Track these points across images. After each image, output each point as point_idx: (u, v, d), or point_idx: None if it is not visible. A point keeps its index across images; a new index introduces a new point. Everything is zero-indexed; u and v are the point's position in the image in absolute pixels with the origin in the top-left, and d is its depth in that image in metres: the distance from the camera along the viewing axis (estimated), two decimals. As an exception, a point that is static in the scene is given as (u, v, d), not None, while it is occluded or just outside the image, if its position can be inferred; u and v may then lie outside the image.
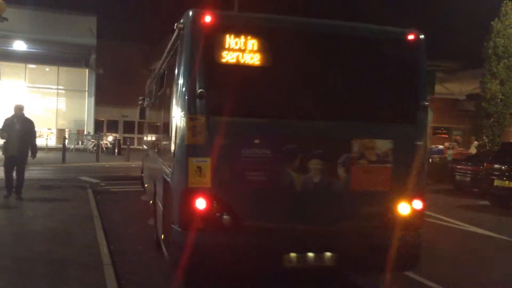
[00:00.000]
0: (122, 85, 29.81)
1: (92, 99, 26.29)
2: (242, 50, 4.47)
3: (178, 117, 4.49)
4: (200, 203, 4.35)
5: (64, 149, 18.98)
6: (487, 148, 16.89)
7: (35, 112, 23.36)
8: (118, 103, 30.51)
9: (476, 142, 18.33)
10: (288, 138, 4.56)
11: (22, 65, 25.46)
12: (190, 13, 4.48)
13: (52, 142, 24.51)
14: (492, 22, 17.43)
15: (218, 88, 4.43)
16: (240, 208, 4.46)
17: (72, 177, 14.29)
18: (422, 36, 5.05)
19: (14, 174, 9.44)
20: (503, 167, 11.90)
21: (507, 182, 11.60)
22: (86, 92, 26.48)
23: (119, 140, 25.21)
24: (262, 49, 4.52)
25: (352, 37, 4.91)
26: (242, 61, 4.47)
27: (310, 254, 4.66)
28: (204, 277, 4.79)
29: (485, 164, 12.56)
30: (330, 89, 4.91)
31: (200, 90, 4.29)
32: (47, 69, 26.54)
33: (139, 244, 6.98)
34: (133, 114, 31.45)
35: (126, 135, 28.93)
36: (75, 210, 8.87)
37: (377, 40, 4.99)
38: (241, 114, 4.45)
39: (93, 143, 24.01)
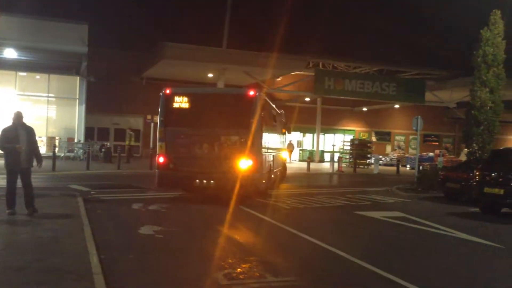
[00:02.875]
0: (113, 93, 29.75)
1: (83, 107, 26.16)
2: (180, 102, 12.25)
3: (158, 129, 12.56)
4: (161, 159, 12.10)
5: (54, 157, 18.84)
6: (477, 155, 16.98)
7: (25, 120, 23.05)
8: (109, 111, 30.41)
9: (466, 149, 18.46)
10: (196, 135, 11.98)
11: (13, 72, 25.27)
12: (163, 89, 12.48)
13: (42, 150, 24.27)
14: (481, 31, 17.61)
15: (169, 116, 12.24)
16: (177, 161, 11.97)
17: (62, 185, 14.18)
18: (257, 93, 12.02)
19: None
20: (493, 175, 11.99)
21: (497, 189, 11.67)
22: (77, 100, 26.34)
23: (109, 148, 25.08)
24: (188, 101, 12.24)
25: (225, 95, 13.42)
26: (179, 106, 12.28)
27: (204, 181, 11.84)
28: (165, 185, 12.69)
29: (475, 171, 12.62)
30: (214, 116, 11.94)
31: (161, 118, 12.33)
32: (38, 77, 26.38)
33: (130, 253, 6.92)
34: (124, 122, 31.41)
35: (117, 142, 28.75)
36: (65, 219, 8.80)
37: (235, 95, 12.96)
38: (177, 126, 12.15)
39: (84, 151, 23.86)
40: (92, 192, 13.05)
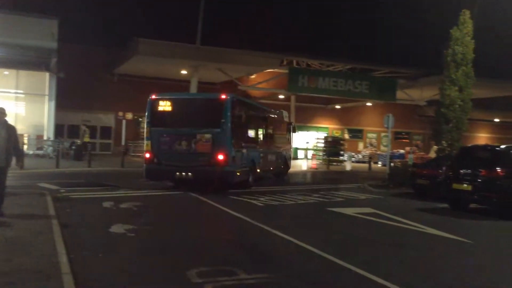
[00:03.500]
0: (84, 90, 29.18)
1: (53, 104, 25.54)
2: (164, 106, 14.23)
3: (145, 130, 15.28)
4: (148, 155, 14.12)
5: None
6: (446, 152, 17.34)
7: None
8: (80, 108, 29.83)
9: (435, 146, 18.82)
10: (176, 133, 13.80)
11: (-20, 68, 24.56)
12: (150, 95, 14.41)
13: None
14: (451, 30, 17.94)
15: (154, 118, 14.23)
16: (161, 157, 13.86)
17: (30, 183, 13.84)
18: (228, 97, 13.69)
19: None
20: (461, 171, 12.28)
21: (465, 185, 11.97)
22: (47, 97, 25.69)
23: (80, 146, 24.60)
24: (171, 105, 14.24)
25: (201, 99, 15.40)
26: (163, 109, 14.22)
27: (183, 173, 13.54)
28: (151, 178, 14.56)
29: (444, 168, 12.89)
30: (192, 117, 13.97)
31: (147, 120, 14.48)
32: (6, 72, 25.64)
33: (100, 251, 6.81)
34: (96, 119, 30.90)
35: (88, 140, 28.20)
36: (34, 218, 8.58)
37: (210, 99, 14.66)
38: (161, 126, 14.05)
39: (54, 149, 23.35)
40: (61, 191, 12.78)
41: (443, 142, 17.87)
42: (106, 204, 10.91)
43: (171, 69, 27.71)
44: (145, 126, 14.84)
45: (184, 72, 27.54)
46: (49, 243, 6.72)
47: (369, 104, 36.09)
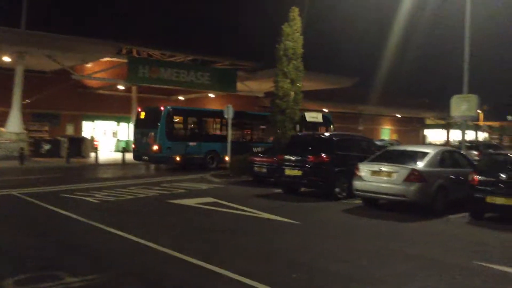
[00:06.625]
0: None
1: None
2: (140, 114, 22.35)
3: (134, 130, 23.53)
4: (133, 146, 22.46)
5: None
6: (281, 141, 18.40)
7: None
8: None
9: (271, 136, 19.86)
10: (141, 132, 21.71)
11: None
12: (165, 107, 21.06)
13: None
14: (282, 26, 18.99)
15: (137, 122, 22.52)
16: (136, 145, 22.02)
17: None
18: (166, 108, 20.82)
19: None
20: (292, 158, 13.17)
21: (296, 171, 12.87)
22: None
23: None
24: (142, 113, 22.26)
25: (152, 109, 22.03)
26: (139, 117, 22.28)
27: (144, 157, 21.27)
28: (135, 159, 22.17)
29: (277, 155, 13.68)
30: (148, 121, 21.34)
31: (134, 123, 23.75)
32: None
33: None
34: None
35: None
36: None
37: (155, 109, 21.56)
38: (137, 127, 22.53)
39: None
40: None
41: (278, 131, 18.93)
42: None
43: (-9, 55, 24.54)
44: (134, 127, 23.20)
45: (6, 59, 24.62)
46: None
47: (211, 95, 36.69)
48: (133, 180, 16.52)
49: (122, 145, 31.10)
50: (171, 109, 21.16)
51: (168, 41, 36.88)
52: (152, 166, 23.14)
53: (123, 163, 23.49)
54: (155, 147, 20.14)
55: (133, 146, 22.22)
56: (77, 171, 20.01)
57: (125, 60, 27.26)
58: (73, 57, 25.48)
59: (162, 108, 20.78)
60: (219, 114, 22.07)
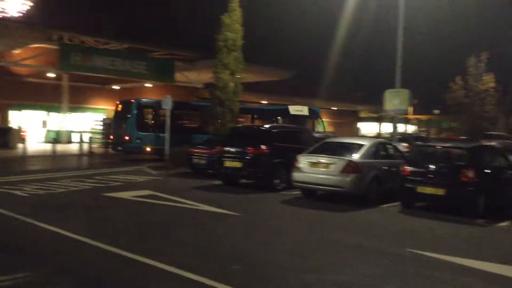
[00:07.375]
0: None
1: None
2: (118, 107, 23.00)
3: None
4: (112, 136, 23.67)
5: None
6: (220, 132, 18.28)
7: None
8: None
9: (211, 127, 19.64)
10: (118, 122, 22.63)
11: None
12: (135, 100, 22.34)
13: None
14: (222, 17, 18.78)
15: (116, 115, 23.30)
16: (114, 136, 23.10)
17: None
18: (136, 100, 22.08)
19: None
20: (232, 149, 13.12)
21: (235, 162, 12.85)
22: None
23: None
24: (118, 106, 22.97)
25: (126, 102, 22.59)
26: (117, 109, 23.10)
27: (119, 148, 22.16)
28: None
29: (217, 147, 13.58)
30: (124, 114, 22.03)
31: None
32: None
33: None
34: None
35: None
36: None
37: (128, 101, 22.36)
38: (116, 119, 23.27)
39: None
40: None
41: (218, 122, 18.79)
42: None
43: None
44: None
45: None
46: None
47: (148, 85, 35.77)
48: (65, 173, 15.79)
49: (53, 135, 29.68)
50: (141, 102, 22.23)
51: (102, 28, 35.42)
52: (85, 158, 22.30)
53: (54, 154, 22.40)
54: (126, 138, 21.10)
55: (111, 136, 23.53)
56: (2, 163, 18.80)
57: (57, 47, 25.91)
58: (-1, 42, 23.90)
59: (132, 100, 21.90)
60: (194, 106, 24.92)
